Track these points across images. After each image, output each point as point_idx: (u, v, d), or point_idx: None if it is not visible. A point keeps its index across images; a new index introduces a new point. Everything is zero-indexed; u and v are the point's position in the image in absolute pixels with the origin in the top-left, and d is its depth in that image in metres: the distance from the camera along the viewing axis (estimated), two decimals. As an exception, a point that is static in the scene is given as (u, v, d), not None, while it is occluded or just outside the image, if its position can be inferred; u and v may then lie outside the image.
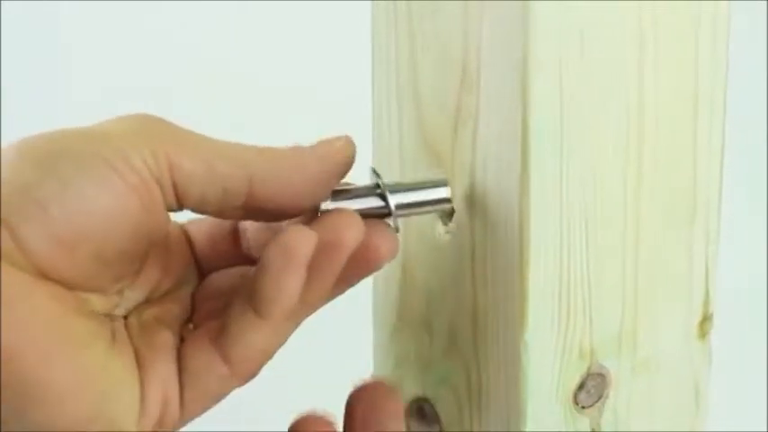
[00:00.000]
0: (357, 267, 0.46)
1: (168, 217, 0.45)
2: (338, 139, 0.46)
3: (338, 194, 0.47)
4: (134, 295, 0.47)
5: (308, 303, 0.46)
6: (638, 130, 0.48)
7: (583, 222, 0.48)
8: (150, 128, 0.44)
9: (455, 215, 0.49)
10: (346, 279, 0.46)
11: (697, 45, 0.49)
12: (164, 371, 0.45)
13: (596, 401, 0.51)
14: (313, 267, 0.44)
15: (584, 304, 0.49)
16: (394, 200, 0.47)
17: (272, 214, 0.46)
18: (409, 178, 0.51)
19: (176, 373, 0.45)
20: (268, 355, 0.46)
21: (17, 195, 0.42)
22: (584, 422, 0.50)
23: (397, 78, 0.50)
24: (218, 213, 0.46)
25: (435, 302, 0.51)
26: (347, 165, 0.46)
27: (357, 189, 0.48)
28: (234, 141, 0.45)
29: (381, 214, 0.47)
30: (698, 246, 0.51)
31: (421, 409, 0.53)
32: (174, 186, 0.44)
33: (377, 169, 0.50)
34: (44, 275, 0.42)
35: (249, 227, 0.49)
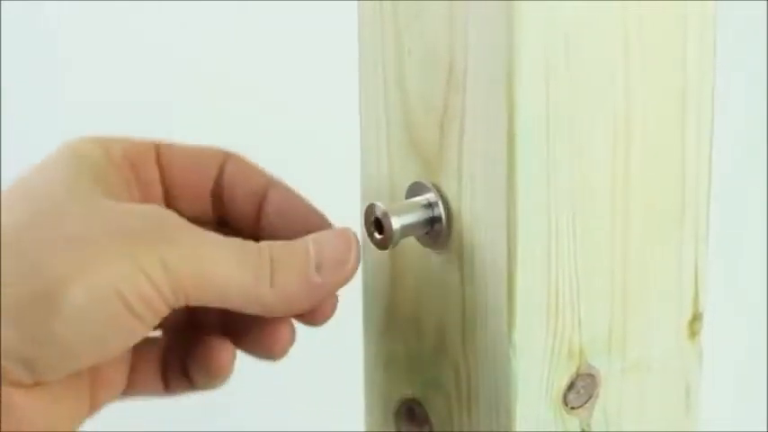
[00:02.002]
0: None
1: None
2: (344, 264, 0.48)
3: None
4: None
5: None
6: (626, 130, 0.48)
7: (570, 221, 0.48)
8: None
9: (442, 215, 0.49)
10: None
11: (684, 45, 0.48)
12: None
13: (586, 402, 0.50)
14: None
15: (573, 304, 0.49)
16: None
17: None
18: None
19: None
20: None
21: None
22: (573, 422, 0.50)
23: (384, 79, 0.50)
24: None
25: (424, 303, 0.51)
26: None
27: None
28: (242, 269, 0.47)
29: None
30: (687, 244, 0.51)
31: (410, 410, 0.53)
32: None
33: (365, 168, 0.51)
34: None
35: None
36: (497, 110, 0.46)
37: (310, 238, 0.48)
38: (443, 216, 0.49)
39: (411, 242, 0.51)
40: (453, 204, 0.49)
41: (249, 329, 0.50)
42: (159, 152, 0.52)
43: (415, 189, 0.50)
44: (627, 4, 0.46)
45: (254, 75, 0.98)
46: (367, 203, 0.52)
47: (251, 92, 0.96)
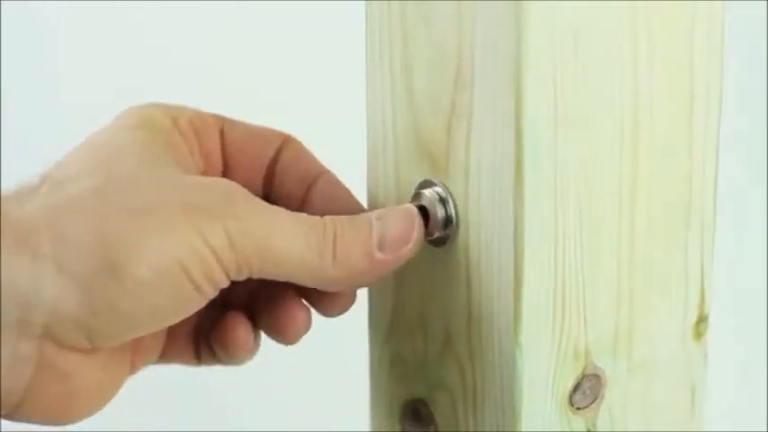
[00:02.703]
0: None
1: None
2: (406, 241, 0.48)
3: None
4: None
5: None
6: (633, 130, 0.48)
7: (577, 222, 0.48)
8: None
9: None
10: None
11: (692, 45, 0.48)
12: None
13: (592, 402, 0.50)
14: None
15: (579, 305, 0.49)
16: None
17: None
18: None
19: None
20: None
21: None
22: (579, 423, 0.50)
23: (391, 78, 0.50)
24: None
25: (430, 304, 0.51)
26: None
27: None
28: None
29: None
30: (693, 246, 0.51)
31: (416, 411, 0.53)
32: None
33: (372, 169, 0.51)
34: None
35: None
36: (505, 109, 0.46)
37: (374, 214, 0.49)
38: (453, 215, 0.49)
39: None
40: (460, 204, 0.49)
41: (268, 311, 0.51)
42: (223, 127, 0.53)
43: (424, 186, 0.50)
44: (635, 4, 0.46)
45: (259, 75, 0.98)
46: (371, 203, 0.52)
47: (252, 92, 0.96)
